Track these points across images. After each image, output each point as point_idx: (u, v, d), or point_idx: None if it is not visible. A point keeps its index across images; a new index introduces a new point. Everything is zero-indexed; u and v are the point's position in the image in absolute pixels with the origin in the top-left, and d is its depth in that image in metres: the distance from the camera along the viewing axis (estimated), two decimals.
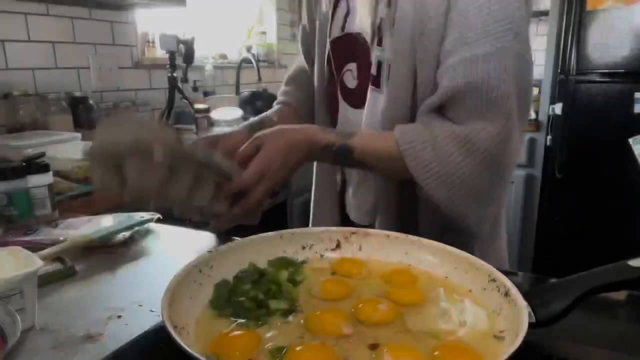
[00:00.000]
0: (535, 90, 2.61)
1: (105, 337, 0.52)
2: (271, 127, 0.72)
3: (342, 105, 0.85)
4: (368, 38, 0.77)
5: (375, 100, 0.76)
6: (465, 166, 0.67)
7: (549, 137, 2.35)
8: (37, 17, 1.73)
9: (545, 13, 2.49)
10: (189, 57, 2.20)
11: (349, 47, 0.80)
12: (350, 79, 0.82)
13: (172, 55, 2.14)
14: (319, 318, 0.49)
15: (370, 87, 0.76)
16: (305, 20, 0.93)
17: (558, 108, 2.29)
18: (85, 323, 0.55)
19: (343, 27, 0.81)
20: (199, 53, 2.38)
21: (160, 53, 2.24)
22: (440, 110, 0.70)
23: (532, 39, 2.95)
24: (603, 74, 2.17)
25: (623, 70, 2.13)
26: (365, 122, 0.78)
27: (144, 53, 2.23)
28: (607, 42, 2.15)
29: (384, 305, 0.51)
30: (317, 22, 0.88)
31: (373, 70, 0.75)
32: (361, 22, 0.77)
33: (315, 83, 0.90)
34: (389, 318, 0.49)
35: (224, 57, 2.81)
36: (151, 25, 2.28)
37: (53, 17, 1.78)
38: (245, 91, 2.42)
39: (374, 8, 0.74)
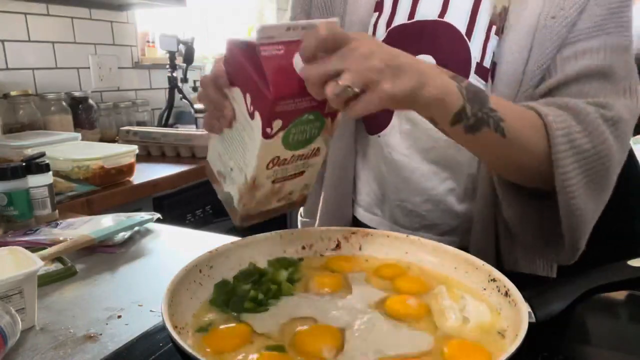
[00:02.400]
0: None
1: (105, 337, 0.52)
2: None
3: None
4: (463, 29, 0.68)
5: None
6: (613, 149, 0.59)
7: None
8: (37, 17, 1.73)
9: None
10: (189, 57, 2.20)
11: (420, 36, 0.70)
12: None
13: (172, 55, 2.14)
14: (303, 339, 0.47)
15: (476, 79, 0.67)
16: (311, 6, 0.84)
17: None
18: (85, 323, 0.55)
19: (412, 14, 0.71)
20: (199, 53, 2.38)
21: (160, 53, 2.24)
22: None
23: None
24: None
25: None
26: None
27: (144, 53, 2.23)
28: None
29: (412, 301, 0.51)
30: (345, 5, 0.77)
31: (486, 63, 0.67)
32: (458, 10, 0.69)
33: None
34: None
35: None
36: (151, 25, 2.28)
37: (53, 17, 1.78)
38: None
39: None
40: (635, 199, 2.29)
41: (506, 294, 0.48)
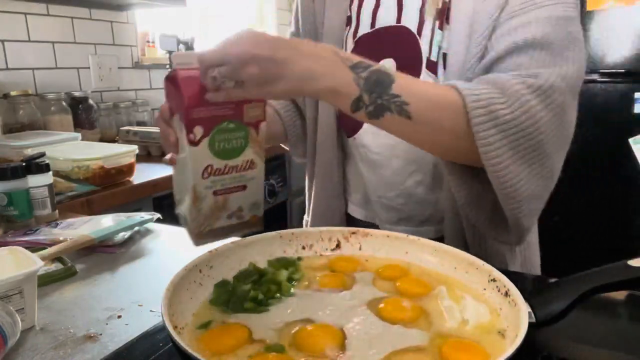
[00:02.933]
0: None
1: (105, 337, 0.52)
2: None
3: None
4: (414, 28, 0.72)
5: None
6: (543, 119, 0.57)
7: None
8: (37, 17, 1.73)
9: None
10: None
11: (381, 43, 0.75)
12: None
13: (172, 55, 2.14)
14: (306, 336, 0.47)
15: (426, 74, 0.71)
16: (297, 26, 0.88)
17: None
18: (85, 323, 0.55)
19: (373, 23, 0.76)
20: None
21: (160, 53, 2.24)
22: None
23: None
24: (603, 74, 2.17)
25: (623, 70, 2.13)
26: None
27: (144, 53, 2.23)
28: (607, 42, 2.15)
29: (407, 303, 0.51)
30: (323, 27, 0.82)
31: (433, 57, 0.70)
32: (411, 12, 0.73)
33: None
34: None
35: None
36: (151, 25, 2.28)
37: (53, 17, 1.78)
38: None
39: None
40: (635, 199, 2.29)
41: (506, 294, 0.48)
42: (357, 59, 0.56)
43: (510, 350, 0.38)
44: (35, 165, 0.88)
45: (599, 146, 2.23)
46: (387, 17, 0.75)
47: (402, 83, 0.57)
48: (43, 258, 0.65)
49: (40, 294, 0.60)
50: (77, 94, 1.78)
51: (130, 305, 0.60)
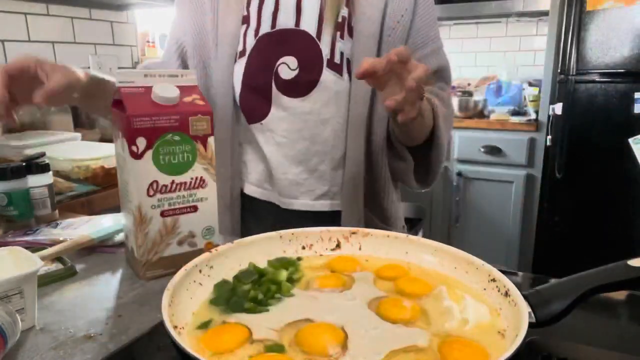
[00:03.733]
0: (535, 91, 2.62)
1: (105, 337, 0.52)
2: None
3: (276, 96, 0.91)
4: (314, 33, 0.88)
5: (336, 84, 0.89)
6: (450, 112, 0.93)
7: (549, 137, 2.35)
8: (37, 17, 1.73)
9: (545, 13, 2.50)
10: None
11: (282, 42, 0.89)
12: (287, 70, 0.89)
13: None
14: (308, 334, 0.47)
15: (329, 72, 0.88)
16: (187, 31, 0.96)
17: (558, 108, 2.29)
18: (85, 323, 0.55)
19: (273, 25, 0.90)
20: None
21: (160, 53, 2.24)
22: None
23: (532, 39, 2.96)
24: (603, 74, 2.17)
25: (623, 70, 2.13)
26: (322, 102, 0.89)
27: (144, 53, 2.23)
28: (607, 42, 2.15)
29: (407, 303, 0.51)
30: (217, 31, 0.92)
31: (337, 60, 0.88)
32: (309, 19, 0.89)
33: (222, 78, 0.93)
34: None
35: None
36: (151, 25, 2.28)
37: (53, 17, 1.78)
38: None
39: (336, 9, 0.88)
40: (635, 199, 2.29)
41: (506, 294, 0.48)
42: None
43: (510, 350, 0.38)
44: (35, 165, 0.88)
45: (599, 146, 2.23)
46: (286, 20, 0.89)
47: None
48: (43, 258, 0.65)
49: (40, 294, 0.60)
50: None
51: (130, 305, 0.60)
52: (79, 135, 1.52)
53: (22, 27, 1.68)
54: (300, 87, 0.89)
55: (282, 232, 0.64)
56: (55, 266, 0.69)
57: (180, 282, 0.50)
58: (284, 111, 0.91)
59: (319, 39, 0.88)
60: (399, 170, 0.96)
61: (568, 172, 2.30)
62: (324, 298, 0.53)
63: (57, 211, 0.92)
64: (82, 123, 1.76)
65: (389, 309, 0.50)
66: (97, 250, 0.77)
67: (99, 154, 1.28)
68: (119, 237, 0.80)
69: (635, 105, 2.12)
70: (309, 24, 0.89)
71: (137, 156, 0.60)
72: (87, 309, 0.59)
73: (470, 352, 0.43)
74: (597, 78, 2.19)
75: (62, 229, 0.82)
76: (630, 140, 2.11)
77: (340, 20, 0.88)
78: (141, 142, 0.60)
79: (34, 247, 0.71)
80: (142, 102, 0.61)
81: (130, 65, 2.14)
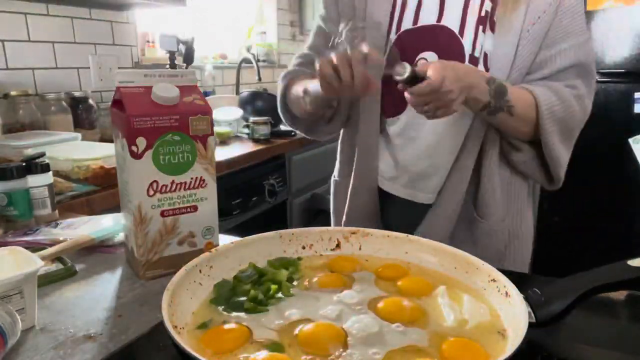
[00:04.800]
0: None
1: (105, 337, 0.52)
2: None
3: None
4: (456, 29, 0.89)
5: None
6: (577, 114, 0.88)
7: None
8: (37, 17, 1.73)
9: None
10: (189, 57, 2.20)
11: (424, 38, 0.91)
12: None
13: (172, 55, 2.14)
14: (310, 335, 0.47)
15: (468, 64, 0.88)
16: (331, 13, 0.99)
17: None
18: (85, 323, 0.55)
19: (415, 21, 0.91)
20: (199, 53, 2.38)
21: (160, 53, 2.24)
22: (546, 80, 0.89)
23: None
24: (603, 74, 2.17)
25: (623, 70, 2.13)
26: None
27: (144, 53, 2.23)
28: (607, 42, 2.15)
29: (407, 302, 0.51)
30: (363, 21, 0.94)
31: (476, 53, 0.89)
32: (452, 14, 0.90)
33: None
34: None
35: (224, 57, 2.81)
36: (151, 25, 2.28)
37: (53, 17, 1.78)
38: (245, 91, 2.42)
39: (480, 5, 0.89)
40: (635, 199, 2.28)
41: (506, 294, 0.48)
42: (488, 75, 0.83)
43: (510, 350, 0.38)
44: (35, 165, 0.88)
45: (599, 146, 2.23)
46: (429, 17, 0.91)
47: (511, 91, 0.83)
48: (43, 258, 0.65)
49: (40, 294, 0.60)
50: (77, 94, 1.78)
51: (130, 305, 0.60)
52: (79, 135, 1.52)
53: (22, 27, 1.68)
54: None
55: (282, 231, 0.64)
56: (55, 266, 0.69)
57: (180, 282, 0.50)
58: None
59: (462, 35, 0.88)
60: (519, 163, 0.93)
61: (568, 172, 2.30)
62: (324, 298, 0.53)
63: (57, 211, 0.92)
64: (82, 123, 1.76)
65: (388, 309, 0.50)
66: (97, 250, 0.77)
67: (99, 154, 1.28)
68: (119, 237, 0.80)
69: (635, 105, 2.12)
70: (451, 19, 0.89)
71: (137, 156, 0.60)
72: (87, 309, 0.59)
73: (470, 352, 0.43)
74: (597, 78, 2.19)
75: (62, 229, 0.82)
76: (630, 140, 2.11)
77: (483, 14, 0.88)
78: (141, 142, 0.60)
79: (34, 247, 0.71)
80: (142, 102, 0.61)
81: (130, 65, 2.14)
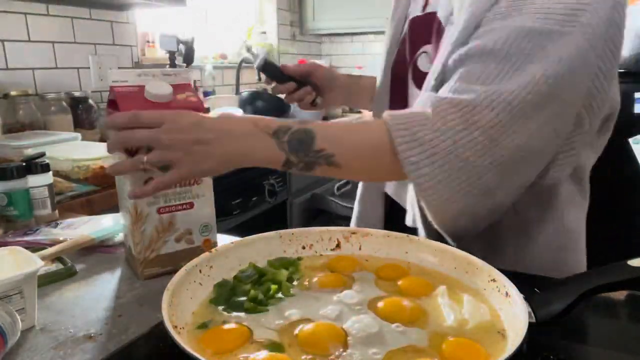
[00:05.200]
0: None
1: (105, 337, 0.52)
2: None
3: (412, 90, 0.77)
4: (443, 19, 0.69)
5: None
6: (464, 139, 0.56)
7: None
8: (37, 17, 1.73)
9: None
10: (189, 57, 2.20)
11: (428, 28, 0.72)
12: (425, 62, 0.73)
13: (172, 55, 2.14)
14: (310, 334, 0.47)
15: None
16: None
17: None
18: (85, 323, 0.55)
19: (425, 5, 0.75)
20: (199, 53, 2.38)
21: (160, 53, 2.24)
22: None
23: None
24: None
25: (623, 70, 2.13)
26: None
27: (144, 53, 2.23)
28: None
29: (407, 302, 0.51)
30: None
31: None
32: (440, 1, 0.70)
33: (383, 64, 0.86)
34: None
35: (224, 57, 2.81)
36: (151, 25, 2.28)
37: (53, 17, 1.78)
38: (245, 91, 2.42)
39: None
40: (635, 199, 2.28)
41: (506, 294, 0.48)
42: (276, 124, 0.60)
43: (510, 350, 0.38)
44: (35, 165, 0.88)
45: None
46: (435, 3, 0.72)
47: (324, 136, 0.60)
48: (43, 258, 0.65)
49: (40, 294, 0.60)
50: (77, 94, 1.78)
51: (130, 305, 0.60)
52: (79, 135, 1.52)
53: (22, 27, 1.68)
54: None
55: (282, 231, 0.64)
56: (55, 266, 0.69)
57: (180, 282, 0.50)
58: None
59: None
60: None
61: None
62: (324, 298, 0.53)
63: (57, 211, 0.92)
64: (82, 123, 1.76)
65: (388, 309, 0.50)
66: (97, 250, 0.77)
67: (99, 154, 1.28)
68: (119, 237, 0.80)
69: (635, 105, 2.12)
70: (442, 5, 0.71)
71: (131, 153, 0.59)
72: (87, 309, 0.59)
73: (470, 352, 0.43)
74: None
75: (62, 229, 0.82)
76: (630, 140, 2.11)
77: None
78: None
79: (34, 247, 0.71)
80: (135, 100, 0.62)
81: (130, 65, 2.14)
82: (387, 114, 0.61)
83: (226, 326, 0.48)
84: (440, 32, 0.69)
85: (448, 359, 0.43)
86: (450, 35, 0.64)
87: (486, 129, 0.56)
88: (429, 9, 0.74)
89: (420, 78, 0.73)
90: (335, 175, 0.62)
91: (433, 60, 0.68)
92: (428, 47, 0.73)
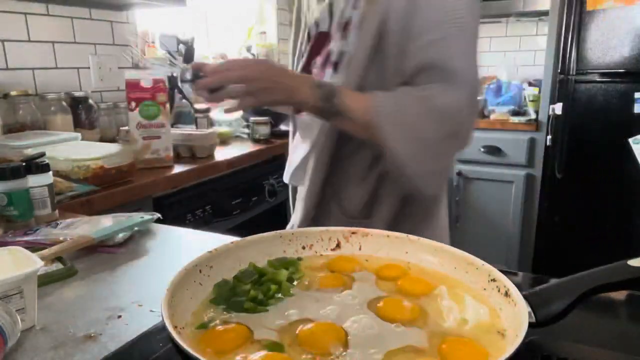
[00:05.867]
0: (535, 90, 2.62)
1: (105, 337, 0.52)
2: None
3: None
4: (336, 34, 0.91)
5: (332, 82, 0.89)
6: (423, 117, 0.80)
7: (548, 137, 2.35)
8: (37, 17, 1.73)
9: (545, 13, 2.50)
10: (189, 57, 2.19)
11: (320, 43, 0.95)
12: (315, 71, 0.95)
13: (172, 55, 2.14)
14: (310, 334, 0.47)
15: (327, 71, 0.92)
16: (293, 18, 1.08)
17: (558, 108, 2.29)
18: (85, 323, 0.55)
19: (329, 26, 0.94)
20: (199, 53, 2.38)
21: (160, 53, 2.24)
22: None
23: (532, 38, 2.95)
24: (603, 74, 2.17)
25: (623, 70, 2.13)
26: None
27: (144, 53, 2.23)
28: (607, 42, 2.15)
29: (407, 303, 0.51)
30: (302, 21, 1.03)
31: (335, 58, 0.90)
32: (336, 20, 0.92)
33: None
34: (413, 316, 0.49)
35: (224, 57, 2.81)
36: (151, 25, 2.28)
37: (53, 17, 1.78)
38: None
39: (343, 10, 0.90)
40: (635, 199, 2.29)
41: (506, 294, 0.48)
42: (314, 79, 0.85)
43: (510, 350, 0.38)
44: (35, 165, 0.88)
45: (598, 146, 2.23)
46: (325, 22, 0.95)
47: (345, 94, 0.83)
48: (43, 258, 0.65)
49: (40, 294, 0.60)
50: (77, 94, 1.78)
51: (130, 305, 0.60)
52: (79, 135, 1.52)
53: (22, 27, 1.68)
54: None
55: (282, 231, 0.64)
56: (55, 266, 0.69)
57: (180, 282, 0.50)
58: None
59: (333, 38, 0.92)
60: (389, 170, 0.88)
61: (568, 172, 2.30)
62: (324, 298, 0.53)
63: (57, 211, 0.92)
64: (82, 123, 1.76)
65: (388, 309, 0.50)
66: (97, 250, 0.77)
67: (99, 154, 1.28)
68: (119, 237, 0.80)
69: (635, 105, 2.12)
70: (335, 25, 0.94)
71: (132, 110, 1.43)
72: (87, 309, 0.59)
73: (469, 352, 0.43)
74: (597, 78, 2.19)
75: (62, 229, 0.82)
76: (630, 140, 2.11)
77: (344, 21, 0.90)
78: (132, 105, 1.43)
79: (34, 247, 0.71)
80: (136, 85, 1.44)
81: (130, 66, 2.14)
82: (377, 93, 0.83)
83: (226, 326, 0.48)
84: (327, 44, 0.95)
85: (448, 358, 0.42)
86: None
87: (447, 116, 0.83)
88: (323, 28, 0.99)
89: None
90: (344, 125, 0.85)
91: (319, 67, 0.97)
92: (318, 59, 0.97)
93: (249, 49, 2.86)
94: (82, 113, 1.77)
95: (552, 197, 2.41)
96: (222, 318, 0.49)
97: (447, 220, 1.04)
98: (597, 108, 2.20)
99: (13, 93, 1.58)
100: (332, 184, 0.94)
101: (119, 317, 0.57)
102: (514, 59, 3.01)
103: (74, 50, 1.87)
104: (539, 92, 2.52)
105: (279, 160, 2.06)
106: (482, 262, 0.54)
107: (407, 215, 0.93)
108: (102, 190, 1.25)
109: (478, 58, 0.82)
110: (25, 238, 0.78)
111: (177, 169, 1.53)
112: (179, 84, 2.19)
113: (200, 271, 0.54)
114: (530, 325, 0.41)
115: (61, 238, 0.76)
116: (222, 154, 1.78)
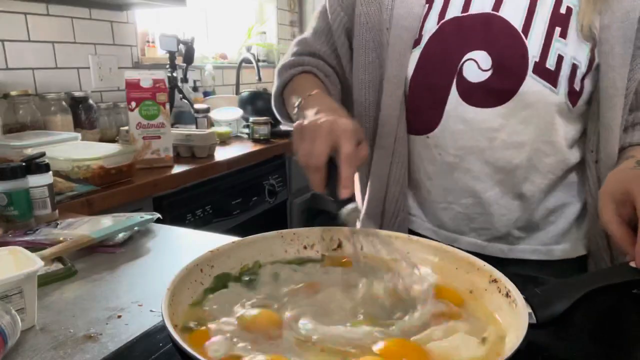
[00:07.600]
0: None
1: (105, 337, 0.52)
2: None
3: (455, 100, 0.71)
4: (519, 25, 0.67)
5: (544, 98, 0.67)
6: None
7: None
8: (37, 17, 1.73)
9: None
10: (189, 57, 2.20)
11: (473, 31, 0.69)
12: (474, 70, 0.68)
13: (172, 55, 2.14)
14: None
15: (535, 81, 0.66)
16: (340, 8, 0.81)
17: None
18: (85, 323, 0.55)
19: (466, 7, 0.70)
20: (199, 53, 2.38)
21: (160, 53, 2.24)
22: None
23: None
24: None
25: None
26: (519, 119, 0.68)
27: (144, 53, 2.23)
28: None
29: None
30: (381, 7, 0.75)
31: (550, 65, 0.66)
32: (514, 4, 0.68)
33: (390, 78, 0.75)
34: None
35: (224, 57, 2.81)
36: (151, 25, 2.28)
37: (53, 17, 1.78)
38: (245, 91, 2.42)
39: None
40: None
41: (507, 295, 0.48)
42: None
43: (511, 350, 0.38)
44: (35, 165, 0.88)
45: None
46: (484, 3, 0.69)
47: None
48: (43, 258, 0.65)
49: (40, 294, 0.60)
50: (77, 94, 1.78)
51: (130, 305, 0.60)
52: (79, 135, 1.52)
53: (22, 27, 1.68)
54: (492, 94, 0.68)
55: (284, 231, 0.63)
56: (55, 266, 0.69)
57: (181, 282, 0.50)
58: (462, 124, 0.70)
59: (526, 34, 0.66)
60: None
61: None
62: (324, 298, 0.53)
63: (57, 211, 0.92)
64: (82, 123, 1.76)
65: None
66: (97, 250, 0.77)
67: (99, 153, 1.28)
68: (119, 237, 0.80)
69: None
70: (512, 12, 0.68)
71: (132, 110, 1.42)
72: (87, 309, 0.59)
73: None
74: None
75: (62, 229, 0.81)
76: None
77: (563, 11, 0.66)
78: (132, 104, 1.43)
79: (34, 247, 0.71)
80: (135, 85, 1.44)
81: (130, 65, 2.14)
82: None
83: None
84: (509, 37, 0.67)
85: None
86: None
87: None
88: (473, 11, 0.69)
89: (467, 89, 0.69)
90: None
91: (490, 68, 0.67)
92: (477, 54, 0.68)
93: (249, 49, 2.86)
94: (82, 113, 1.77)
95: None
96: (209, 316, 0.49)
97: None
98: None
99: (13, 93, 1.58)
100: None
101: (119, 317, 0.57)
102: None
103: (73, 50, 1.87)
104: None
105: (279, 160, 2.06)
106: (484, 262, 0.54)
107: None
108: (102, 190, 1.25)
109: None
110: (25, 238, 0.78)
111: (177, 169, 1.53)
112: (179, 84, 2.19)
113: (201, 270, 0.54)
114: (531, 326, 0.41)
115: (61, 238, 0.76)
116: (222, 153, 1.78)
